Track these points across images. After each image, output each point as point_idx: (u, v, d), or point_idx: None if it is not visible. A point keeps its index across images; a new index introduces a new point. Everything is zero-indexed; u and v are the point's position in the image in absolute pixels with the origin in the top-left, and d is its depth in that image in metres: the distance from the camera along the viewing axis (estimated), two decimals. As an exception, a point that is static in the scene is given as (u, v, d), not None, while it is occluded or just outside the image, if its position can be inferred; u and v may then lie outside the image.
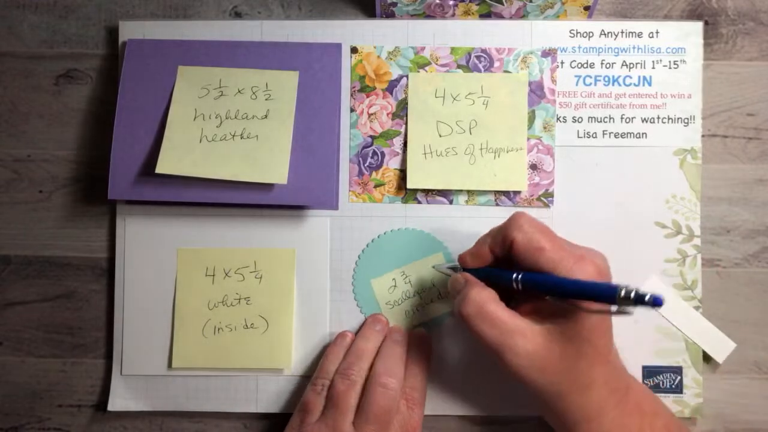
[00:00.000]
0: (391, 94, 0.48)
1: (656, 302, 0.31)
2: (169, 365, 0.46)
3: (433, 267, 0.46)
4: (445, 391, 0.46)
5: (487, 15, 0.48)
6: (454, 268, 0.44)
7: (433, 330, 0.47)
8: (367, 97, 0.48)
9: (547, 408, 0.39)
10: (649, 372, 0.46)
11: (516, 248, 0.39)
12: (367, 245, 0.47)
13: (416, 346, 0.45)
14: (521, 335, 0.38)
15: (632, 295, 0.32)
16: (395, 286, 0.47)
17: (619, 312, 0.33)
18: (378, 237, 0.47)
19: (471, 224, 0.47)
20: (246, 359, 0.46)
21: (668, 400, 0.46)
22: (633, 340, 0.46)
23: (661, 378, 0.46)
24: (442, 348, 0.46)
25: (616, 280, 0.46)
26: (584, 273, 0.37)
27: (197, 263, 0.47)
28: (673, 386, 0.46)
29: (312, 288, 0.47)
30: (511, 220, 0.40)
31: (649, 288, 0.46)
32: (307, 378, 0.46)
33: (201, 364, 0.46)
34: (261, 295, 0.47)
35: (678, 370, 0.46)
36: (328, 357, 0.45)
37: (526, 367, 0.38)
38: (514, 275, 0.39)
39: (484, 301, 0.39)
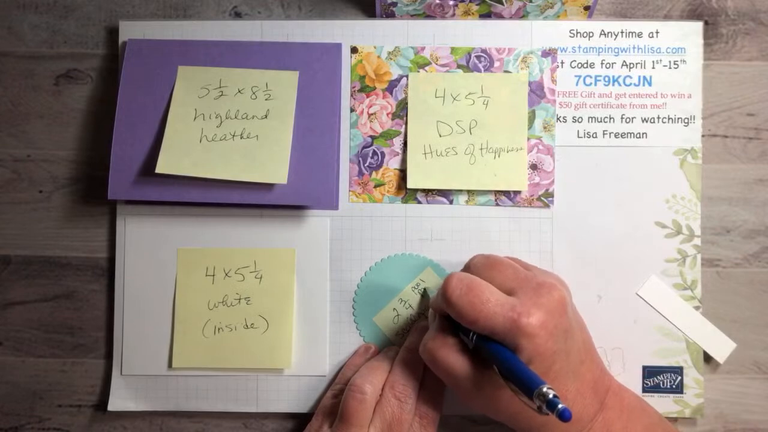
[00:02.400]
0: (391, 94, 0.48)
1: (563, 416, 0.32)
2: (169, 365, 0.46)
3: (426, 290, 0.46)
4: (445, 391, 0.46)
5: (487, 15, 0.48)
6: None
7: None
8: (367, 97, 0.48)
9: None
10: (650, 372, 0.46)
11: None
12: (358, 285, 0.47)
13: None
14: (473, 384, 0.38)
15: (546, 398, 0.33)
16: (398, 315, 0.46)
17: (538, 409, 0.33)
18: (366, 273, 0.47)
19: (471, 224, 0.47)
20: (246, 359, 0.46)
21: (668, 400, 0.46)
22: (633, 340, 0.46)
23: (662, 378, 0.46)
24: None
25: (616, 280, 0.46)
26: (549, 299, 0.37)
27: (197, 263, 0.47)
28: (674, 386, 0.46)
29: (312, 288, 0.47)
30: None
31: (649, 287, 0.46)
32: (306, 378, 0.46)
33: (201, 364, 0.46)
34: (261, 295, 0.47)
35: (678, 371, 0.46)
36: (350, 367, 0.45)
37: (483, 409, 0.40)
38: (471, 334, 0.38)
39: (437, 348, 0.39)
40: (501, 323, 0.36)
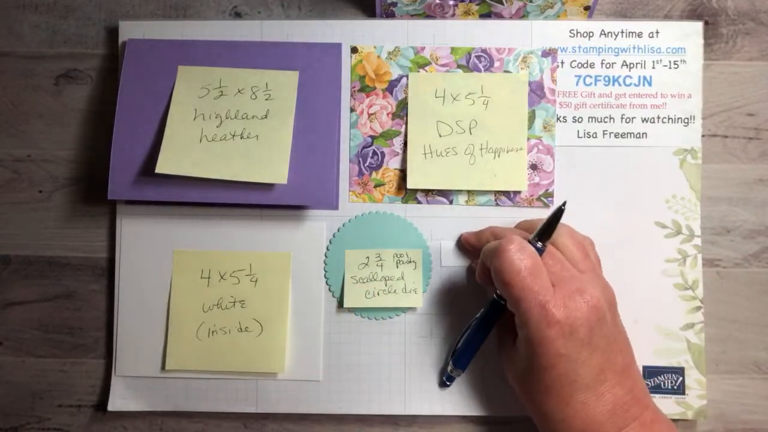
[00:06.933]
0: (391, 94, 0.48)
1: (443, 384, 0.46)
2: (163, 367, 0.46)
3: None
4: (446, 391, 0.46)
5: (487, 15, 0.48)
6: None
7: (385, 321, 0.46)
8: (367, 97, 0.48)
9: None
10: (650, 372, 0.46)
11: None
12: (355, 218, 0.47)
13: None
14: (508, 356, 0.42)
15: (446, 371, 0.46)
16: (366, 264, 0.47)
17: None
18: (367, 214, 0.47)
19: (471, 224, 0.47)
20: (239, 362, 0.46)
21: (670, 401, 0.45)
22: (634, 340, 0.46)
23: (663, 379, 0.46)
24: (444, 348, 0.46)
25: (616, 280, 0.46)
26: (579, 306, 0.38)
27: (193, 265, 0.47)
28: (675, 387, 0.46)
29: (307, 292, 0.47)
30: (500, 248, 0.39)
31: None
32: (304, 382, 0.46)
33: (195, 367, 0.46)
34: (256, 298, 0.46)
35: (680, 371, 0.46)
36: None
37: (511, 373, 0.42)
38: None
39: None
40: (531, 302, 0.37)
